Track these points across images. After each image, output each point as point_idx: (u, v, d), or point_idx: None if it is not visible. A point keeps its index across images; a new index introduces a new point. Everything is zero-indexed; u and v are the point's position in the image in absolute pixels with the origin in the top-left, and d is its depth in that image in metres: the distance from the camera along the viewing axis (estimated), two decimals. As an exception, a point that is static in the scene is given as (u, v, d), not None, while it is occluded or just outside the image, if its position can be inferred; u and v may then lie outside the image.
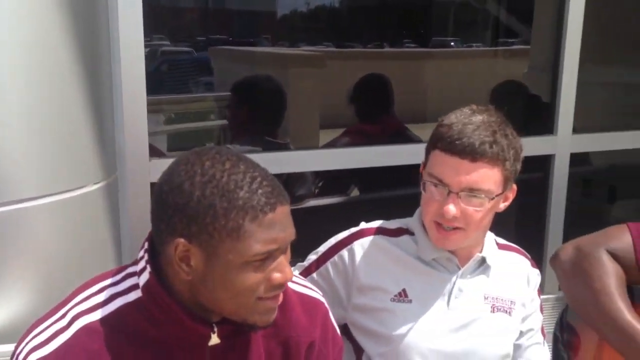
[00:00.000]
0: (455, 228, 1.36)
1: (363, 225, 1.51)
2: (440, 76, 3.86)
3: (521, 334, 1.53)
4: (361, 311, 1.44)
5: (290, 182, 2.38)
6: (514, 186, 1.42)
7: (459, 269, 1.45)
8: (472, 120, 1.33)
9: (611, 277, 1.51)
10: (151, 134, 2.61)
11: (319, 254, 1.51)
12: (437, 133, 1.36)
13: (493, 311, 1.46)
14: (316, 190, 2.56)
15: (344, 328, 1.47)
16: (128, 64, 1.62)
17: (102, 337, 1.03)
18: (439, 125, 1.36)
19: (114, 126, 1.60)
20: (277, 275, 1.02)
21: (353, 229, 1.50)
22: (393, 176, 2.27)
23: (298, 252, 1.29)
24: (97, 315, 1.05)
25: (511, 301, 1.49)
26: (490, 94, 2.90)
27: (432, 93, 3.66)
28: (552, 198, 2.37)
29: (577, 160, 2.43)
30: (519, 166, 1.40)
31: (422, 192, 1.40)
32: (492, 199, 1.34)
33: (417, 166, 1.45)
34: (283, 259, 1.03)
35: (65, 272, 1.36)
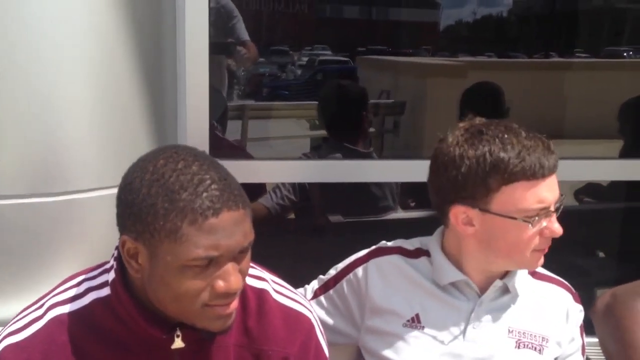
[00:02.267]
0: None
1: (382, 243, 1.45)
2: (605, 88, 3.55)
3: None
4: (373, 334, 1.38)
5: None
6: None
7: (479, 296, 1.34)
8: (522, 139, 1.24)
9: None
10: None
11: (338, 269, 1.46)
12: (502, 167, 1.22)
13: (518, 347, 1.33)
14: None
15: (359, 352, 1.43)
16: (192, 75, 1.74)
17: (70, 330, 1.05)
18: (497, 160, 1.22)
19: (176, 130, 1.84)
20: (220, 284, 0.98)
21: (373, 247, 1.45)
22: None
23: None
24: (69, 307, 1.06)
25: (543, 338, 1.35)
26: (620, 110, 2.65)
27: (591, 106, 3.41)
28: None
29: None
30: None
31: (512, 233, 1.26)
32: None
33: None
34: (230, 267, 0.99)
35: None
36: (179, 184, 0.96)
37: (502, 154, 1.22)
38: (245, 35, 2.62)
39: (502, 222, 1.25)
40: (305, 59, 4.10)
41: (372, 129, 3.40)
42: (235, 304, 1.04)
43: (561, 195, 1.28)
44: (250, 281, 1.15)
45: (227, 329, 1.05)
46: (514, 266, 1.34)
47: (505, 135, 1.24)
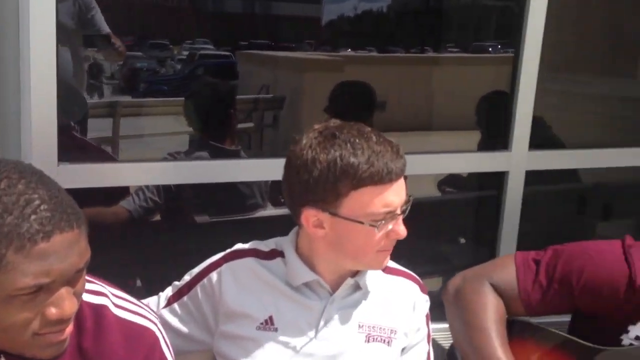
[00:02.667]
0: None
1: (237, 246, 1.44)
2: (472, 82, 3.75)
3: None
4: (226, 339, 1.37)
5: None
6: None
7: (331, 294, 1.37)
8: (372, 144, 1.26)
9: (488, 311, 1.47)
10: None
11: (192, 275, 1.43)
12: (352, 173, 1.24)
13: (368, 341, 1.38)
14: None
15: None
16: (38, 65, 1.63)
17: None
18: (347, 166, 1.24)
19: (20, 130, 1.75)
20: (52, 311, 0.92)
21: (228, 251, 1.44)
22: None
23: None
24: None
25: (392, 330, 1.40)
26: (477, 104, 2.81)
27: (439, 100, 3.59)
28: (505, 217, 2.26)
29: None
30: None
31: (355, 237, 1.29)
32: None
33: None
34: (63, 292, 0.93)
35: None
36: (2, 206, 0.87)
37: (352, 159, 1.24)
38: (105, 27, 2.52)
39: (350, 226, 1.28)
40: (186, 53, 4.03)
41: (251, 125, 3.41)
42: (69, 329, 0.97)
43: (409, 197, 1.32)
44: (87, 297, 1.09)
45: (60, 355, 0.99)
46: (361, 266, 1.38)
47: (357, 140, 1.26)
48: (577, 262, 1.45)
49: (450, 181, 2.79)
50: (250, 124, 3.42)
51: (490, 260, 1.59)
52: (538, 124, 2.56)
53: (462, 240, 2.87)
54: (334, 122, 1.34)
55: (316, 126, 1.33)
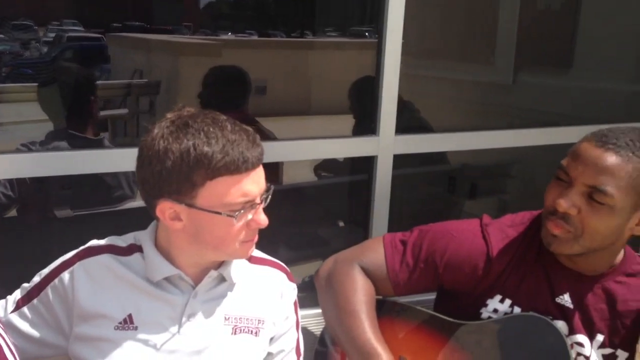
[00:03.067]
0: None
1: (92, 242, 1.36)
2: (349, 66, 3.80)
3: (270, 355, 1.42)
4: (83, 341, 1.30)
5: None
6: None
7: (194, 288, 1.33)
8: (227, 132, 1.23)
9: (358, 293, 1.49)
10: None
11: (42, 276, 1.35)
12: (206, 163, 1.20)
13: (235, 333, 1.35)
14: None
15: None
16: None
17: None
18: (201, 155, 1.20)
19: None
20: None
21: (81, 248, 1.36)
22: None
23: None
24: None
25: (259, 320, 1.38)
26: (349, 90, 2.85)
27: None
28: (375, 199, 2.32)
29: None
30: None
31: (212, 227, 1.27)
32: None
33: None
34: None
35: None
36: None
37: (206, 149, 1.20)
38: None
39: (208, 217, 1.24)
40: (52, 34, 3.78)
41: (124, 111, 3.26)
42: None
43: (268, 186, 1.30)
44: None
45: None
46: (225, 257, 1.35)
47: (211, 129, 1.22)
48: (441, 241, 1.51)
49: (326, 166, 2.82)
50: (124, 110, 3.28)
51: (360, 243, 1.61)
52: (407, 108, 2.65)
53: (341, 224, 2.92)
54: (188, 110, 1.29)
55: (169, 115, 1.28)
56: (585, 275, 1.44)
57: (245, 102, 2.70)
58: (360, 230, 2.53)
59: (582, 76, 2.94)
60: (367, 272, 1.52)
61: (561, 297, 1.45)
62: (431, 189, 2.92)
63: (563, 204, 1.32)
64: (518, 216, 1.56)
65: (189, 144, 1.21)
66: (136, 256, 1.35)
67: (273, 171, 2.40)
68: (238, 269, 1.39)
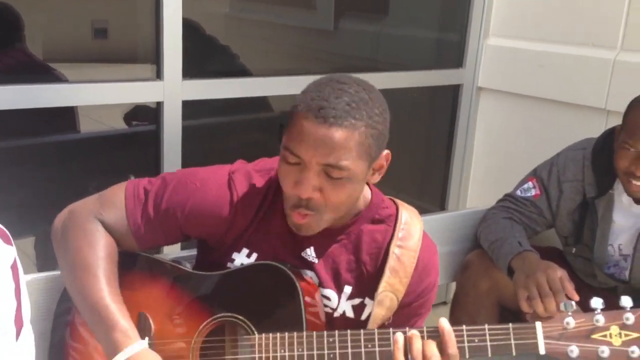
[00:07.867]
0: None
1: None
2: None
3: None
4: None
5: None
6: None
7: None
8: None
9: (95, 248, 1.38)
10: None
11: None
12: None
13: None
14: None
15: None
16: None
17: None
18: None
19: None
20: None
21: None
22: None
23: None
24: None
25: None
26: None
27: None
28: (165, 150, 2.20)
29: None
30: None
31: None
32: None
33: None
34: None
35: None
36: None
37: None
38: None
39: None
40: None
41: None
42: None
43: None
44: None
45: None
46: None
47: None
48: (183, 192, 1.43)
49: (136, 113, 2.63)
50: None
51: (101, 192, 1.48)
52: (225, 52, 2.52)
53: (132, 177, 2.73)
54: None
55: None
56: (329, 229, 1.40)
57: (15, 44, 2.39)
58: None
59: (396, 24, 2.93)
60: (108, 227, 1.42)
61: (305, 251, 1.43)
62: (260, 135, 2.82)
63: (304, 193, 1.27)
64: (268, 161, 1.50)
65: None
66: None
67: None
68: None
